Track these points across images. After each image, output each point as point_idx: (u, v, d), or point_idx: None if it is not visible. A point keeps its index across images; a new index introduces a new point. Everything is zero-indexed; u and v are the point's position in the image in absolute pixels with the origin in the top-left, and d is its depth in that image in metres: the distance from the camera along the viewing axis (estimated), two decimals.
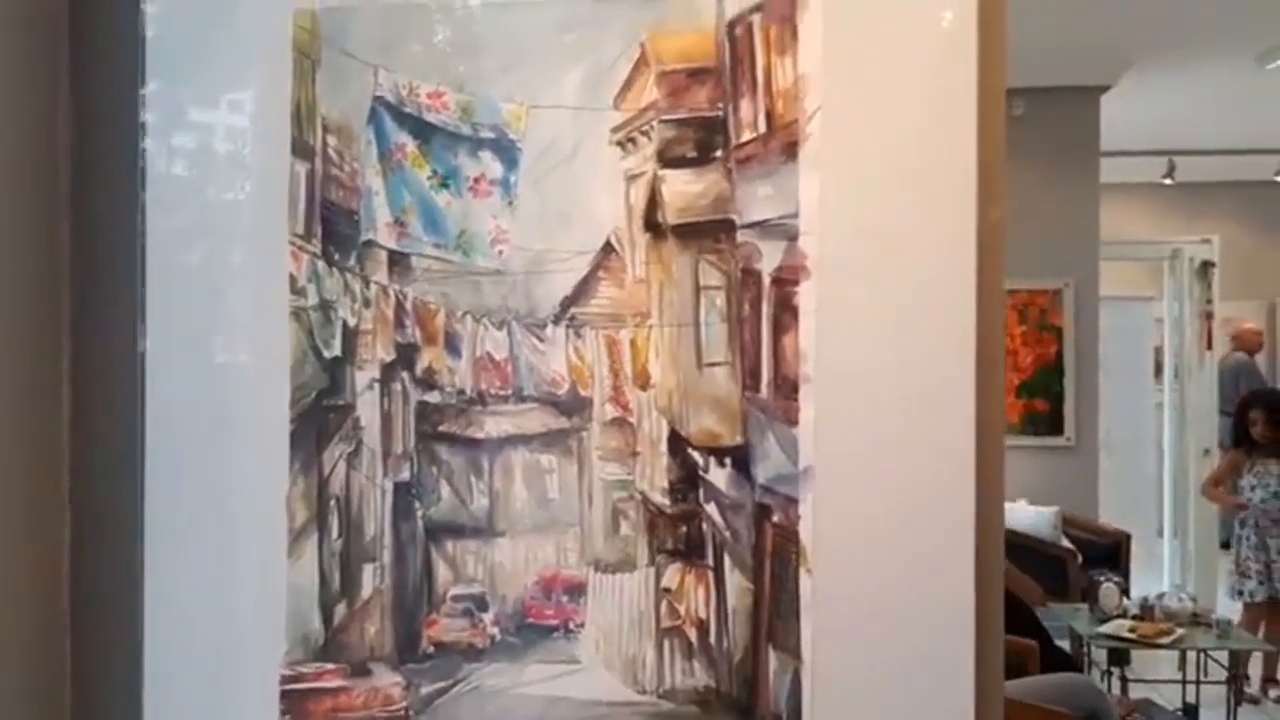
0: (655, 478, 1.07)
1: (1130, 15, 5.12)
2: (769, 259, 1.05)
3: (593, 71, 1.07)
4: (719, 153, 1.05)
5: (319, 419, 1.10)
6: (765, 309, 1.05)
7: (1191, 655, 4.62)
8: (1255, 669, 5.06)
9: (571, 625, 1.08)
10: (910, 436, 1.03)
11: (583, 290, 1.07)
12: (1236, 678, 4.60)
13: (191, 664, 1.11)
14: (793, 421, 1.04)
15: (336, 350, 1.10)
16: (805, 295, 1.04)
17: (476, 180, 1.09)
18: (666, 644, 1.07)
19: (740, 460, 1.06)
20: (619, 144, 1.07)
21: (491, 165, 1.09)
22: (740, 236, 1.05)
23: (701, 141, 1.06)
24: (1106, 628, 4.38)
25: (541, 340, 1.08)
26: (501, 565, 1.09)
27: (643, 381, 1.07)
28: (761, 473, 1.05)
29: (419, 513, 1.10)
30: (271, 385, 1.10)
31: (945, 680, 1.03)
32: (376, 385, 1.10)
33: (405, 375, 1.10)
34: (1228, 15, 5.04)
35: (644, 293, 1.07)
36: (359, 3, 1.10)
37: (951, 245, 1.02)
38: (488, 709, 1.08)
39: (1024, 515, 5.47)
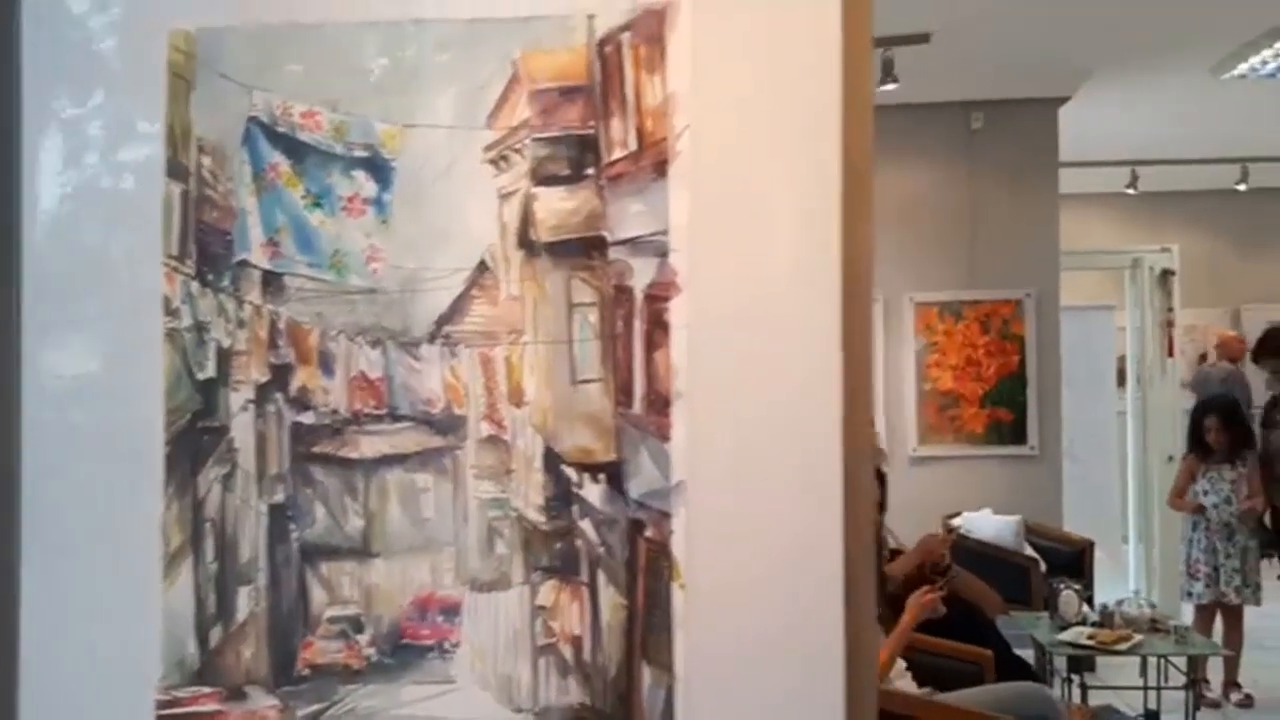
0: (530, 495, 1.07)
1: (1086, 28, 5.17)
2: (641, 275, 1.05)
3: (466, 90, 1.07)
4: (591, 170, 1.06)
5: (194, 441, 1.10)
6: (638, 325, 1.05)
7: (1153, 661, 4.64)
8: (1216, 673, 5.09)
9: (447, 645, 1.08)
10: (779, 449, 1.03)
11: (457, 308, 1.07)
12: (1196, 683, 4.62)
13: (67, 689, 1.10)
14: (665, 437, 1.04)
15: (211, 371, 1.10)
16: (676, 311, 1.04)
17: (350, 199, 1.09)
18: (542, 662, 1.07)
19: (614, 476, 1.06)
20: (492, 162, 1.07)
21: (365, 184, 1.09)
22: (612, 253, 1.05)
23: (573, 159, 1.06)
24: (1066, 635, 4.39)
25: (416, 359, 1.08)
26: (377, 586, 1.08)
27: (517, 399, 1.07)
28: (635, 488, 1.05)
29: (294, 535, 1.09)
30: (146, 407, 1.09)
31: (816, 697, 1.03)
32: (251, 406, 1.09)
33: (279, 396, 1.09)
34: (1181, 28, 5.10)
35: (518, 310, 1.07)
36: (235, 23, 1.10)
37: (817, 260, 1.03)
38: None
39: (988, 524, 5.49)
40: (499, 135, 1.06)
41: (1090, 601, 4.87)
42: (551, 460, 1.07)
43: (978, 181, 6.00)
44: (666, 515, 1.04)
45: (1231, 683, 5.03)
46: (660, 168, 1.04)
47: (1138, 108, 6.36)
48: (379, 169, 1.08)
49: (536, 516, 1.07)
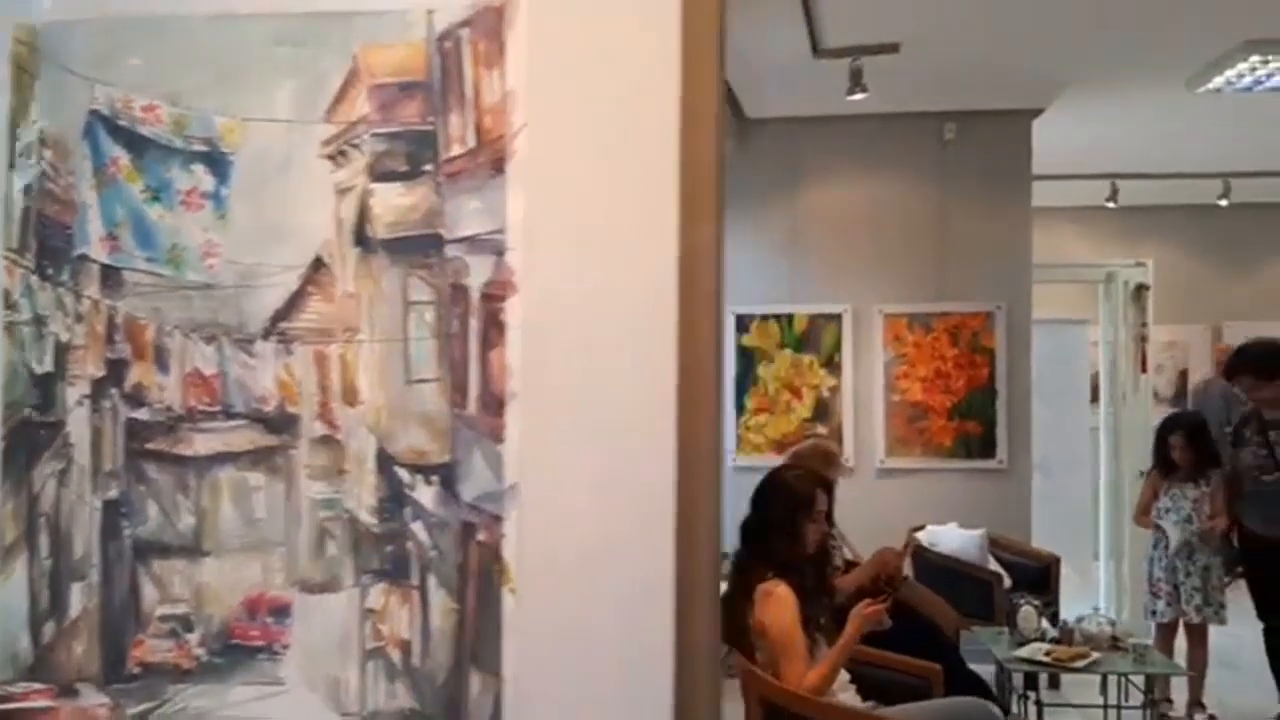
0: (363, 496, 1.05)
1: (1059, 40, 5.16)
2: (477, 274, 1.04)
3: (305, 84, 1.06)
4: (429, 167, 1.04)
5: (30, 436, 1.08)
6: (474, 325, 1.04)
7: (1114, 679, 4.61)
8: (1182, 693, 5.07)
9: (276, 647, 1.06)
10: (613, 453, 1.02)
11: (293, 305, 1.06)
12: (1155, 702, 4.59)
13: None
14: (499, 438, 1.03)
15: (48, 366, 1.08)
16: (512, 311, 1.03)
17: (188, 194, 1.08)
18: (370, 666, 1.05)
19: (447, 478, 1.04)
20: (330, 157, 1.06)
21: (204, 178, 1.08)
22: (449, 251, 1.04)
23: (411, 155, 1.05)
24: (1023, 651, 4.35)
25: (251, 356, 1.07)
26: (208, 585, 1.07)
27: (351, 398, 1.06)
28: (468, 490, 1.04)
29: (127, 531, 1.08)
30: None
31: (645, 702, 1.01)
32: (86, 402, 1.08)
33: (115, 392, 1.08)
34: (1154, 42, 5.10)
35: (354, 308, 1.05)
36: (80, 17, 1.09)
37: (654, 262, 1.02)
38: None
39: (951, 537, 5.46)
40: (337, 130, 1.05)
41: (1055, 618, 4.83)
42: (385, 461, 1.05)
43: (949, 193, 5.98)
44: (498, 519, 1.03)
45: (1195, 702, 4.99)
46: (498, 165, 1.03)
47: (1113, 121, 6.35)
48: (217, 163, 1.07)
49: (368, 518, 1.05)
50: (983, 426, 5.88)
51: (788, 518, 3.43)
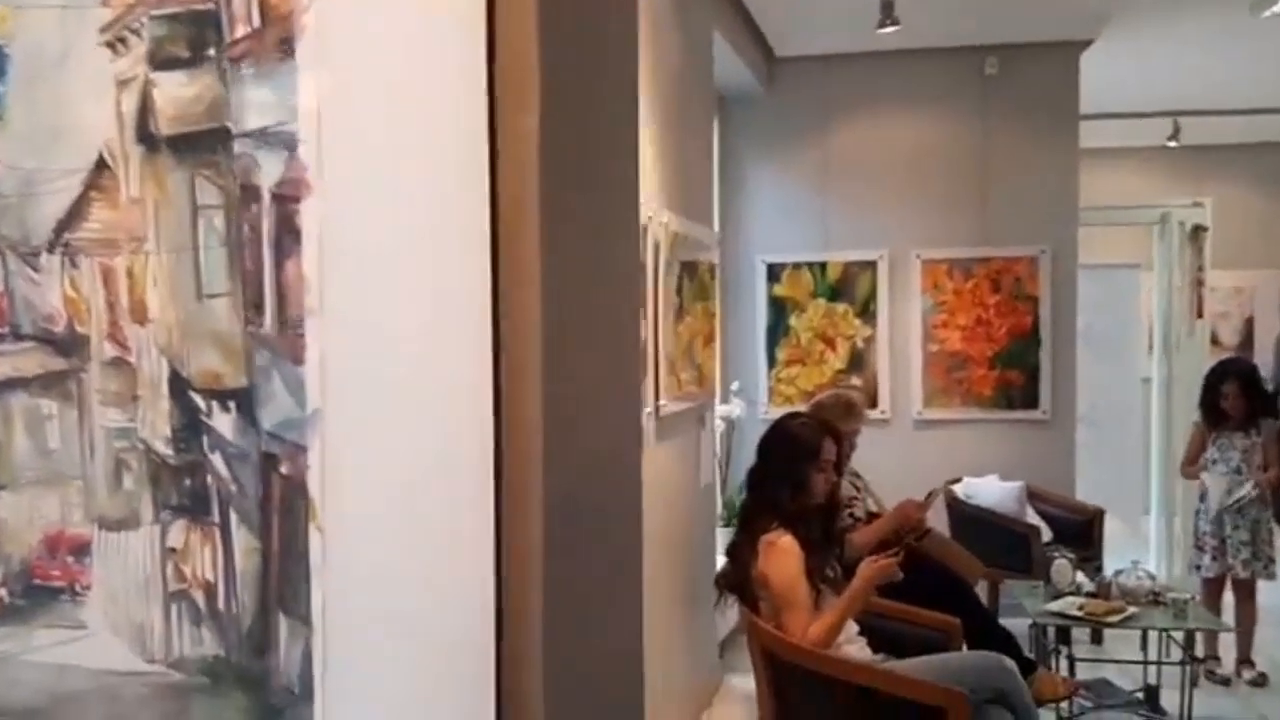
0: (157, 424, 0.95)
1: None
2: (268, 172, 0.92)
3: None
4: (212, 51, 0.93)
5: None
6: (266, 230, 0.92)
7: (1154, 635, 4.41)
8: (1230, 650, 4.83)
9: (78, 587, 0.97)
10: (424, 379, 0.90)
11: (76, 213, 0.96)
12: (1196, 659, 4.37)
13: None
14: (299, 359, 0.92)
15: None
16: (307, 214, 0.91)
17: None
18: (174, 609, 0.96)
19: (245, 404, 0.93)
20: (109, 45, 0.94)
21: None
22: (238, 147, 0.93)
23: (194, 39, 0.93)
24: (1055, 605, 4.17)
25: (37, 270, 0.97)
26: (5, 521, 0.98)
27: (140, 316, 0.95)
28: (267, 417, 0.93)
29: None
30: None
31: (467, 650, 0.90)
32: None
33: None
34: None
35: (139, 215, 0.95)
36: None
37: (465, 158, 0.89)
38: None
39: (990, 490, 5.26)
40: (115, 13, 0.94)
41: (1098, 572, 4.63)
42: (179, 386, 0.95)
43: (991, 131, 5.70)
44: (302, 449, 0.92)
45: (1244, 660, 4.75)
46: (287, 46, 0.91)
47: (1168, 52, 5.98)
48: None
49: (165, 449, 0.95)
50: (1025, 376, 5.64)
51: (793, 467, 3.30)
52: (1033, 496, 5.30)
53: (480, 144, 0.88)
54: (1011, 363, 5.64)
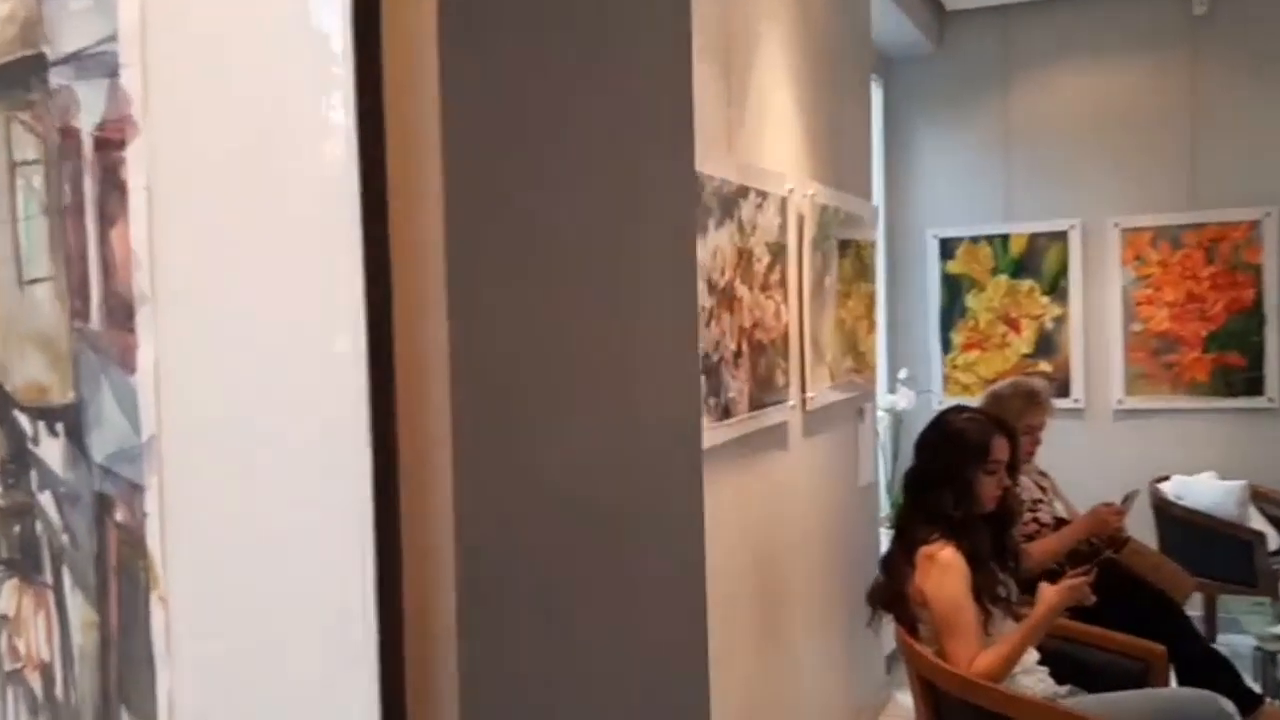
0: None
1: None
2: (89, 110, 0.67)
3: None
4: None
5: None
6: (89, 189, 0.67)
7: None
8: None
9: None
10: (288, 388, 0.63)
11: None
12: None
13: None
14: (130, 365, 0.66)
15: None
16: (134, 164, 0.66)
17: None
18: (10, 694, 0.73)
19: (73, 426, 0.69)
20: None
21: None
22: (55, 79, 0.68)
23: None
24: None
25: None
26: None
27: None
28: (98, 445, 0.68)
29: None
30: None
31: None
32: None
33: None
34: None
35: None
36: None
37: (327, 83, 0.61)
38: None
39: (1204, 490, 4.60)
40: None
41: None
42: (3, 403, 0.71)
43: (1201, 78, 4.98)
44: (138, 488, 0.67)
45: None
46: None
47: None
48: None
49: None
50: (1246, 358, 4.91)
51: (956, 469, 2.87)
52: (1257, 497, 4.62)
53: (345, 64, 0.60)
54: (1230, 343, 4.93)
